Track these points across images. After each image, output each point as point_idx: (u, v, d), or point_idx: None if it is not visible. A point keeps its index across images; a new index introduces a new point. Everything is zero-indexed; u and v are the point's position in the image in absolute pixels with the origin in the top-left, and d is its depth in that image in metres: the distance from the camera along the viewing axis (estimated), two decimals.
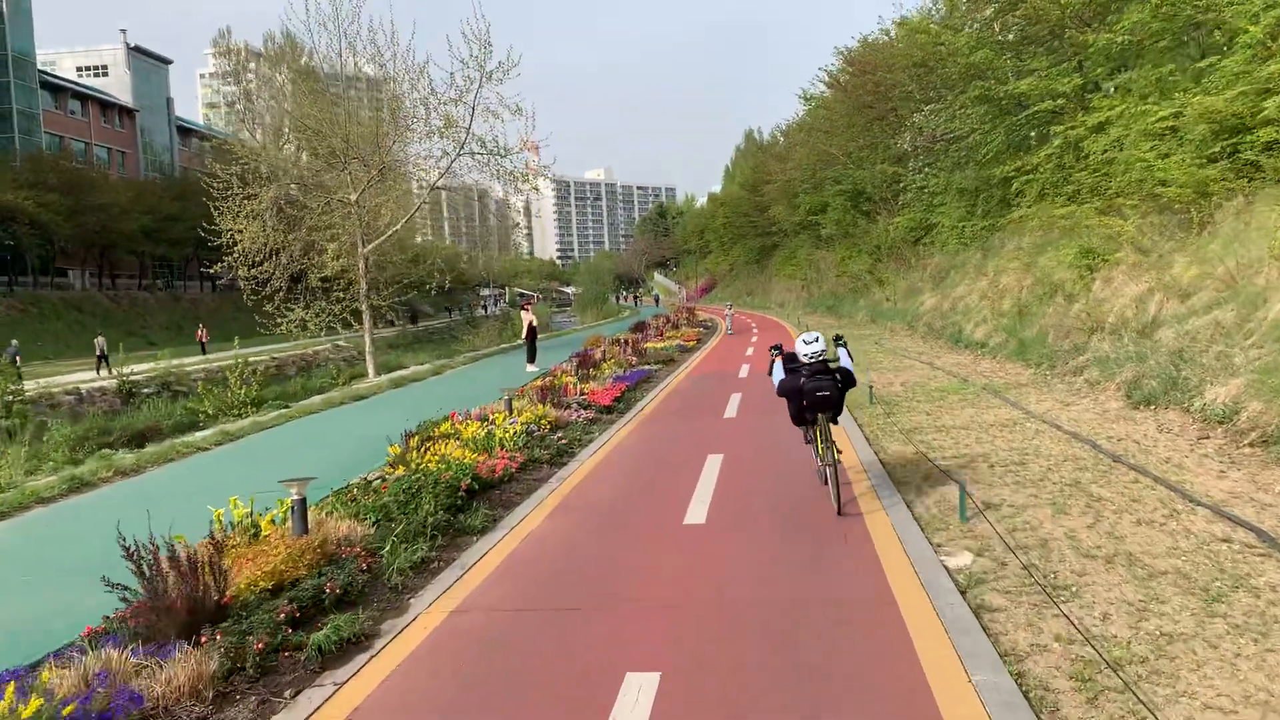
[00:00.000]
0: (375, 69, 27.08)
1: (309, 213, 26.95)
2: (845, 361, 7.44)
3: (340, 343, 48.10)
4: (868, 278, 38.60)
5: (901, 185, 36.34)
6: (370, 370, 27.67)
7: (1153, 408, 9.97)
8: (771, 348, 8.14)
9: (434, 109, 28.09)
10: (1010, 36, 25.93)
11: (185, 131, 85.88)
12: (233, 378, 18.90)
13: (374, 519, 6.70)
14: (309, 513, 6.50)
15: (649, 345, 25.32)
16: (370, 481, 7.75)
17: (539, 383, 16.39)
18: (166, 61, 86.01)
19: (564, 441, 10.52)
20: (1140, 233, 16.10)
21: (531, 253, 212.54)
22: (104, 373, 31.01)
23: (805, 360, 7.18)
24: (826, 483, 7.26)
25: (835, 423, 7.54)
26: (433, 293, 28.87)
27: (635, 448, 10.40)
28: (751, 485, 8.15)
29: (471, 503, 7.49)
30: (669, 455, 9.84)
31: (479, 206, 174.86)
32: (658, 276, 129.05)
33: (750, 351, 24.18)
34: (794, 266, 57.30)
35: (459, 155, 28.15)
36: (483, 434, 9.79)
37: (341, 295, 27.47)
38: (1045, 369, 14.13)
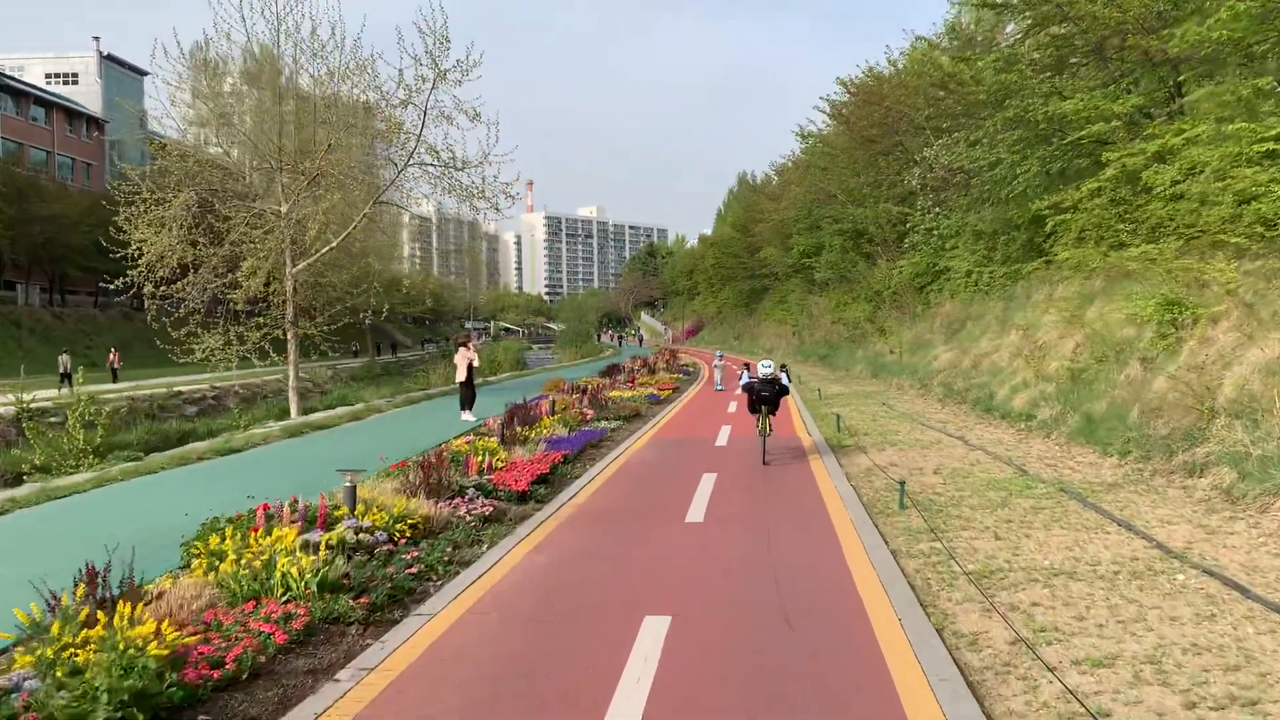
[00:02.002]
0: (317, 66, 23.39)
1: (233, 225, 23.09)
2: (785, 381, 12.12)
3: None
4: (867, 326, 34.81)
5: (909, 226, 32.70)
6: (293, 409, 23.70)
7: None
8: (744, 365, 14.93)
9: (378, 112, 24.46)
10: (1045, 55, 22.43)
11: (163, 146, 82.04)
12: (71, 418, 14.71)
13: None
14: None
15: (613, 394, 21.28)
16: None
17: (459, 443, 12.38)
18: (141, 73, 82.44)
19: (414, 571, 6.44)
20: (1242, 279, 12.36)
21: (520, 287, 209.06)
22: (65, 391, 29.55)
23: (760, 375, 11.93)
24: (764, 449, 11.92)
25: (773, 414, 12.04)
26: (366, 322, 24.87)
27: (526, 591, 6.31)
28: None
29: None
30: (577, 613, 5.78)
31: (467, 235, 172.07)
32: (645, 316, 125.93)
33: (733, 408, 20.16)
34: (784, 311, 53.69)
35: (407, 165, 24.48)
36: (261, 562, 5.72)
37: (261, 321, 23.54)
38: (1136, 460, 10.19)
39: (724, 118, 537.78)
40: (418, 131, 23.27)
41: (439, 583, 6.44)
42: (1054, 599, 5.64)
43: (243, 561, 5.67)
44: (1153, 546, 6.82)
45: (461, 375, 18.72)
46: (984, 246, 25.92)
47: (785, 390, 12.09)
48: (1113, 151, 17.47)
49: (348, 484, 7.48)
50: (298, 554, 5.77)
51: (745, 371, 12.75)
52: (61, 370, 32.37)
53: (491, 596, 6.08)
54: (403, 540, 7.20)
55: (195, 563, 6.23)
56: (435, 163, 23.98)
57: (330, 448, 14.86)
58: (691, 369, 37.41)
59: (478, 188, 23.86)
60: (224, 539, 6.45)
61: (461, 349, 19.22)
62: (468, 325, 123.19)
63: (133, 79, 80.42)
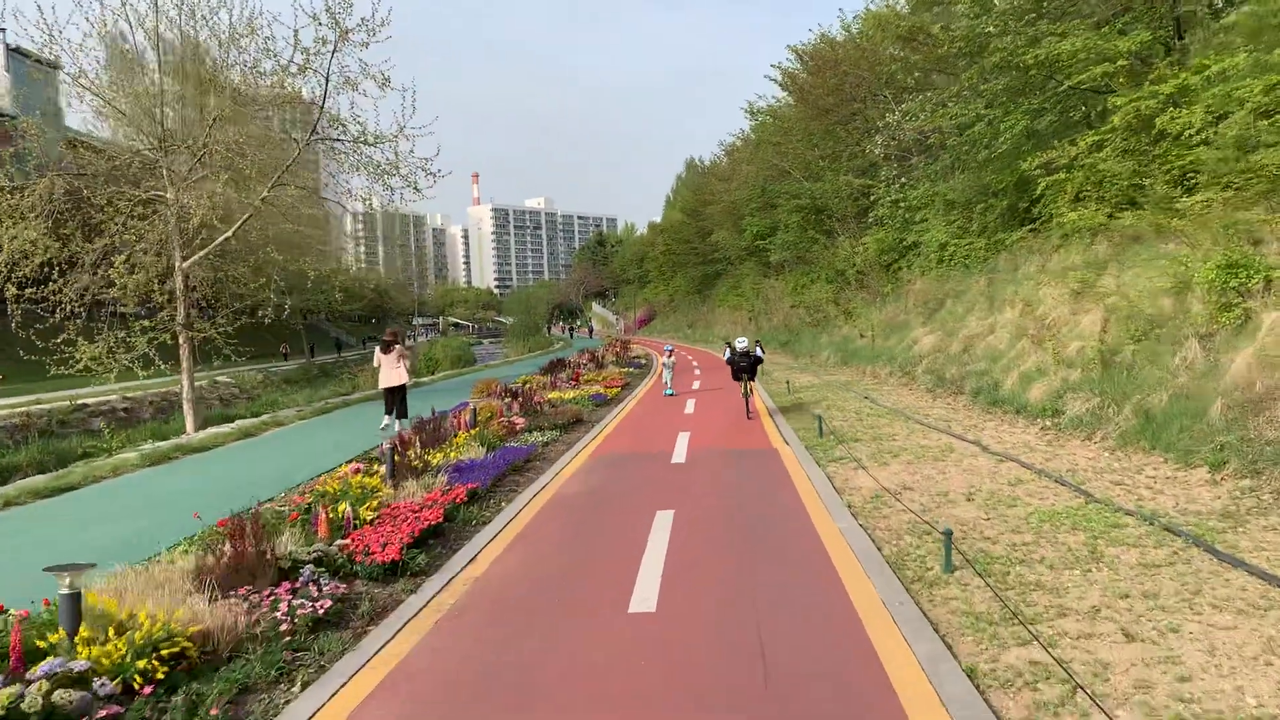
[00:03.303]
0: (200, 29, 20.18)
1: (111, 216, 19.69)
2: (759, 353, 15.46)
3: (220, 378, 40.33)
4: (830, 309, 32.27)
5: (872, 199, 30.17)
6: (189, 423, 20.39)
7: None
8: (725, 342, 17.05)
9: (269, 75, 21.12)
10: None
11: (80, 144, 76.96)
12: None
13: None
14: None
15: (551, 396, 18.35)
16: None
17: (339, 474, 9.39)
18: (54, 66, 77.00)
19: None
20: None
21: (469, 281, 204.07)
22: None
23: (737, 350, 15.19)
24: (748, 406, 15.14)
25: (753, 379, 15.53)
26: (266, 320, 21.53)
27: None
28: None
29: None
30: None
31: (413, 229, 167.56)
32: (596, 307, 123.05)
33: (690, 407, 17.34)
34: (739, 297, 51.16)
35: (309, 141, 21.31)
36: None
37: (148, 324, 20.20)
38: (1239, 475, 7.55)
39: (672, 106, 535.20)
40: (320, 102, 20.19)
41: None
42: None
43: None
44: None
45: (391, 379, 15.24)
46: (959, 216, 23.47)
47: (760, 360, 15.42)
48: (1119, 97, 15.07)
49: (63, 591, 4.49)
50: None
51: (728, 349, 15.56)
52: None
53: None
54: (149, 687, 4.24)
55: None
56: (343, 137, 20.91)
57: (193, 480, 11.75)
58: (643, 361, 34.57)
59: (392, 164, 20.81)
60: None
61: (395, 349, 15.52)
62: (416, 321, 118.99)
63: (44, 72, 75.15)
